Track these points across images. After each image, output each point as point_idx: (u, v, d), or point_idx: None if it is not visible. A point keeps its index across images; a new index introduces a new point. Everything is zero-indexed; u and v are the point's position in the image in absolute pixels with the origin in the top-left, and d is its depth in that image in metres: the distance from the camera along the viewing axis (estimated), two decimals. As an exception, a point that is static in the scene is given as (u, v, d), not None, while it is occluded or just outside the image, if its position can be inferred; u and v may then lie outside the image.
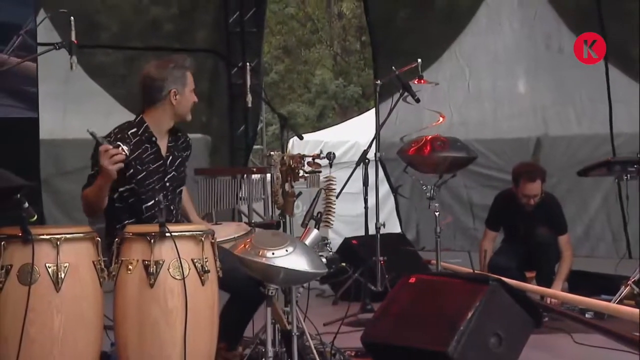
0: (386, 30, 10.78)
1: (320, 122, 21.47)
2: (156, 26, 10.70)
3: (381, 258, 7.17)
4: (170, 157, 4.83)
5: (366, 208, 7.02)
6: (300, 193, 4.90)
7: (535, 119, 10.11)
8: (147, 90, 4.78)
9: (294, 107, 22.50)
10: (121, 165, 4.33)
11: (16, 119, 8.16)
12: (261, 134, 12.08)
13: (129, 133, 4.72)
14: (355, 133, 13.20)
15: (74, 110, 9.60)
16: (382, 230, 7.31)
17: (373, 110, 9.53)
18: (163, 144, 4.82)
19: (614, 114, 9.48)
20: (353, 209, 9.77)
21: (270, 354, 4.33)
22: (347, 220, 10.35)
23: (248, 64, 6.04)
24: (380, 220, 7.28)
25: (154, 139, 4.76)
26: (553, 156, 9.53)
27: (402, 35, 10.71)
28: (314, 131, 16.72)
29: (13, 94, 8.06)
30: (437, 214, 6.92)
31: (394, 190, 10.34)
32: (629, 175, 6.93)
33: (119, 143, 4.36)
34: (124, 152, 4.32)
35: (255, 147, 11.79)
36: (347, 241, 7.87)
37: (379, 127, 7.21)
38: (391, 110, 7.10)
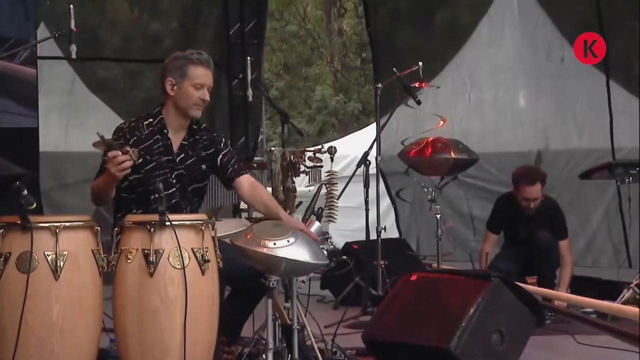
0: (388, 45, 10.77)
1: (320, 138, 21.43)
2: (157, 41, 10.68)
3: (382, 262, 7.11)
4: (182, 155, 4.76)
5: (367, 210, 6.98)
6: (300, 203, 4.86)
7: (536, 131, 10.08)
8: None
9: (294, 123, 22.39)
10: (128, 171, 4.30)
11: (17, 129, 8.11)
12: (261, 147, 12.04)
13: (144, 123, 4.72)
14: (355, 147, 13.12)
15: (77, 124, 9.61)
16: (383, 235, 7.25)
17: (373, 125, 9.54)
18: (177, 139, 4.77)
19: (615, 127, 9.44)
20: (352, 222, 9.72)
21: (271, 346, 4.27)
22: (345, 234, 10.30)
23: (249, 59, 5.95)
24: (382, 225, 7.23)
25: (165, 131, 4.72)
26: (554, 170, 9.47)
27: (403, 50, 10.69)
28: (314, 146, 16.66)
29: (16, 101, 8.01)
30: (438, 216, 6.90)
31: (394, 200, 10.30)
32: (631, 178, 6.90)
33: (127, 148, 4.30)
34: (132, 158, 4.27)
35: (255, 159, 11.74)
36: (347, 245, 7.83)
37: (379, 129, 7.17)
38: (391, 113, 7.06)
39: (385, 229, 7.12)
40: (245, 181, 4.86)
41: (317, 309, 6.99)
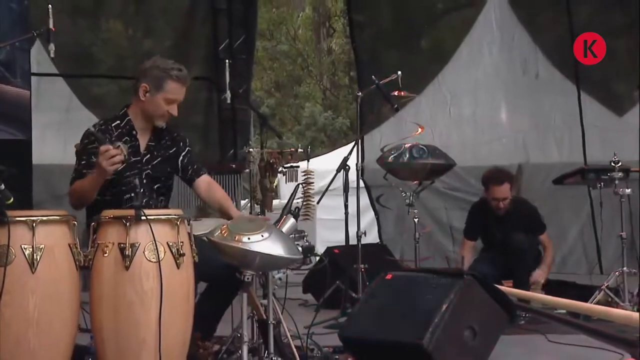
0: (372, 64, 10.70)
1: (309, 154, 21.45)
2: (150, 58, 10.62)
3: (362, 266, 7.03)
4: (148, 156, 4.72)
5: (346, 214, 6.89)
6: None
7: (516, 145, 10.03)
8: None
9: (284, 139, 22.46)
10: (119, 166, 4.25)
11: (9, 141, 7.95)
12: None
13: (112, 125, 4.66)
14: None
15: (74, 139, 9.50)
16: (364, 240, 7.17)
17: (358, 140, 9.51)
18: (143, 140, 4.72)
19: (591, 143, 9.40)
20: (336, 234, 9.65)
21: (246, 339, 4.19)
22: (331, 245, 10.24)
23: (227, 62, 5.86)
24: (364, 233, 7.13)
25: (134, 132, 4.67)
26: (533, 184, 9.41)
27: (387, 69, 10.59)
28: (303, 161, 16.59)
29: (7, 120, 7.82)
30: (416, 220, 6.86)
31: (377, 212, 10.21)
32: (602, 183, 6.86)
33: (119, 143, 4.29)
34: (123, 153, 4.24)
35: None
36: (329, 250, 7.77)
37: (359, 134, 7.14)
38: (373, 122, 6.99)
39: (365, 233, 7.03)
40: (203, 181, 4.88)
41: (300, 312, 6.95)
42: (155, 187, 4.72)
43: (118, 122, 4.67)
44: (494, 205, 7.09)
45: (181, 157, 4.83)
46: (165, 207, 4.76)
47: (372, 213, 10.44)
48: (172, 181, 4.88)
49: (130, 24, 10.71)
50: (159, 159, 4.74)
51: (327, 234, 11.33)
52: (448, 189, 9.82)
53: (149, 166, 4.69)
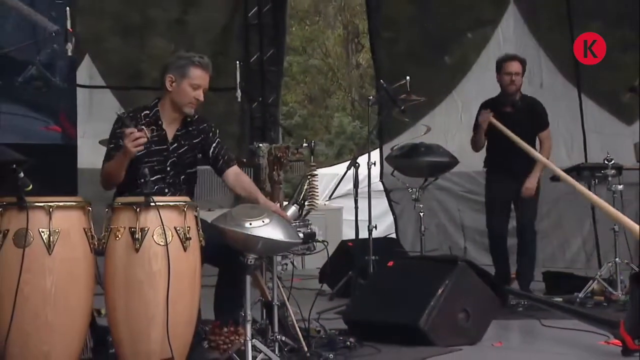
0: (393, 78, 10.59)
1: (338, 160, 21.47)
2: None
3: (373, 257, 6.98)
4: (175, 145, 4.66)
5: (356, 208, 6.82)
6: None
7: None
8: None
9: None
10: (141, 148, 4.28)
11: (57, 145, 7.94)
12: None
13: (141, 114, 4.63)
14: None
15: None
16: (375, 235, 7.11)
17: (384, 147, 9.50)
18: (171, 130, 4.68)
19: (596, 148, 9.25)
20: (362, 235, 9.58)
21: (249, 318, 4.16)
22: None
23: (237, 63, 5.84)
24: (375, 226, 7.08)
25: (160, 122, 4.64)
26: (544, 186, 9.28)
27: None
28: (332, 166, 16.78)
29: (37, 107, 7.71)
30: (422, 214, 6.82)
31: (395, 213, 10.14)
32: (596, 180, 6.77)
33: (142, 127, 4.31)
34: (146, 136, 4.28)
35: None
36: (343, 243, 7.74)
37: (369, 132, 7.15)
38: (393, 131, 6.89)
39: (376, 227, 6.99)
40: (232, 171, 4.79)
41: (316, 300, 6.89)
42: (182, 177, 4.67)
43: (147, 112, 4.64)
44: (507, 81, 6.90)
45: (212, 148, 4.75)
46: (189, 195, 4.67)
47: (392, 217, 10.38)
48: (196, 169, 4.80)
49: (173, 40, 10.82)
50: (186, 147, 4.68)
51: (353, 234, 11.24)
52: (463, 191, 9.74)
53: (176, 154, 4.64)
